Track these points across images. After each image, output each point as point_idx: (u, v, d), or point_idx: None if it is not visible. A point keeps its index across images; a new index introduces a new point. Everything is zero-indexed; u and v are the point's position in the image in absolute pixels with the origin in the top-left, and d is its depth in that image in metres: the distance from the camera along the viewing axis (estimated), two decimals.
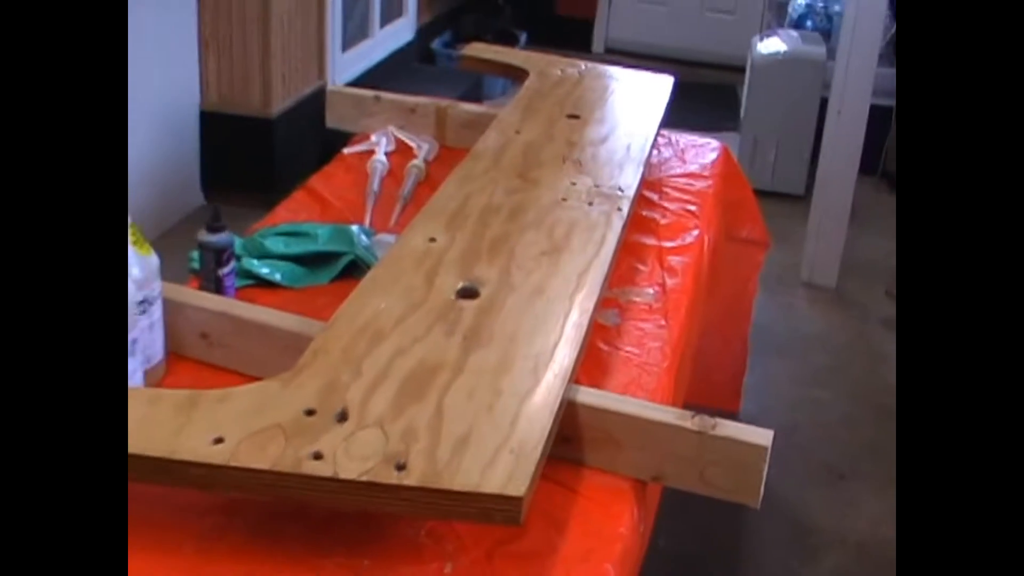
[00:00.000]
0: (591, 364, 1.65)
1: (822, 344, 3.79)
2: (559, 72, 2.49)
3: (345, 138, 2.56)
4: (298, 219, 2.09)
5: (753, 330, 3.18)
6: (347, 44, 4.99)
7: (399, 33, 5.68)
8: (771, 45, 4.85)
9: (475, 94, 5.42)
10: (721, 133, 5.11)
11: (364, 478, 1.16)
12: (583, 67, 2.55)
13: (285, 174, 4.42)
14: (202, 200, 4.41)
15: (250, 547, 1.27)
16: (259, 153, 4.43)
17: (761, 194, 4.64)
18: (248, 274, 1.86)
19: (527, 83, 2.40)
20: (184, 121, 4.32)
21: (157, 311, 1.54)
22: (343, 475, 1.16)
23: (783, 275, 4.15)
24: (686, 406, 2.07)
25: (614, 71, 2.58)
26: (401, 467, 1.17)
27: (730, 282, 2.77)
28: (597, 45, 6.96)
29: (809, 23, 5.42)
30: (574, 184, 1.89)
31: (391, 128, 2.45)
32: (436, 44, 6.14)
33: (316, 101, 4.64)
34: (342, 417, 1.25)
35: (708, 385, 2.95)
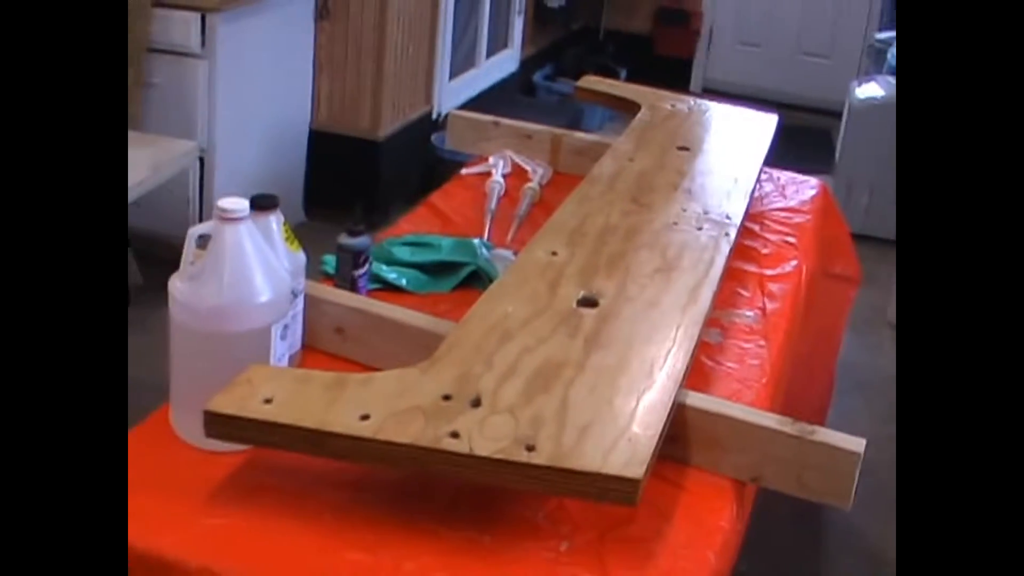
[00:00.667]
0: (695, 376, 1.77)
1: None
2: (669, 106, 2.63)
3: (447, 164, 2.71)
4: (420, 232, 2.23)
5: (839, 367, 3.26)
6: (454, 72, 5.17)
7: (503, 64, 5.86)
8: (869, 90, 4.95)
9: (574, 127, 5.56)
10: (815, 176, 5.24)
11: (497, 456, 1.29)
12: (692, 103, 2.69)
13: (388, 196, 4.58)
14: (303, 217, 4.56)
15: (383, 519, 1.40)
16: (364, 174, 4.60)
17: (853, 237, 4.76)
18: (376, 278, 2.01)
19: (639, 115, 2.54)
20: (294, 138, 4.51)
21: (300, 303, 1.69)
22: (478, 452, 1.30)
23: (871, 316, 4.23)
24: None
25: (721, 107, 2.71)
26: (530, 448, 1.30)
27: (821, 317, 2.87)
28: (695, 84, 7.09)
29: None
30: (684, 210, 2.02)
31: (508, 152, 2.60)
32: (538, 77, 6.31)
33: (422, 126, 4.83)
34: (476, 403, 1.39)
35: (795, 416, 3.04)
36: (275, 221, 1.63)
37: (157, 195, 3.55)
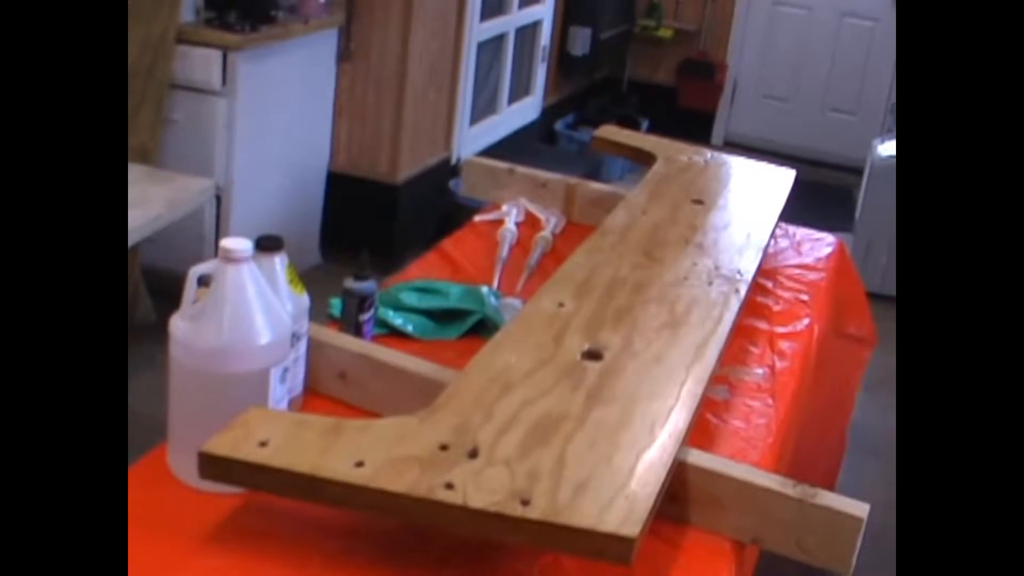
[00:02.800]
0: (699, 434, 1.76)
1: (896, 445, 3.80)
2: (685, 159, 2.63)
3: (464, 210, 2.72)
4: (430, 278, 2.24)
5: (851, 428, 3.24)
6: (475, 118, 5.20)
7: (525, 111, 5.89)
8: (890, 148, 4.95)
9: (594, 177, 5.58)
10: (834, 233, 5.23)
11: (491, 509, 1.28)
12: (708, 155, 2.69)
13: (404, 240, 4.59)
14: (319, 259, 4.58)
15: (374, 569, 1.39)
16: (381, 217, 4.62)
17: (871, 296, 4.74)
18: (382, 323, 2.01)
19: (655, 167, 2.55)
20: (312, 179, 4.53)
21: (303, 347, 1.69)
22: (472, 504, 1.29)
23: (885, 378, 4.19)
24: None
25: (738, 161, 2.71)
26: (525, 502, 1.29)
27: (833, 377, 2.85)
28: (716, 138, 7.11)
29: None
30: (695, 265, 2.02)
31: (522, 200, 2.60)
32: (559, 125, 6.33)
33: (440, 171, 4.84)
34: (473, 454, 1.38)
35: (804, 477, 3.02)
36: (279, 262, 1.63)
37: (173, 232, 3.56)
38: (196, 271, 1.48)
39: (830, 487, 3.23)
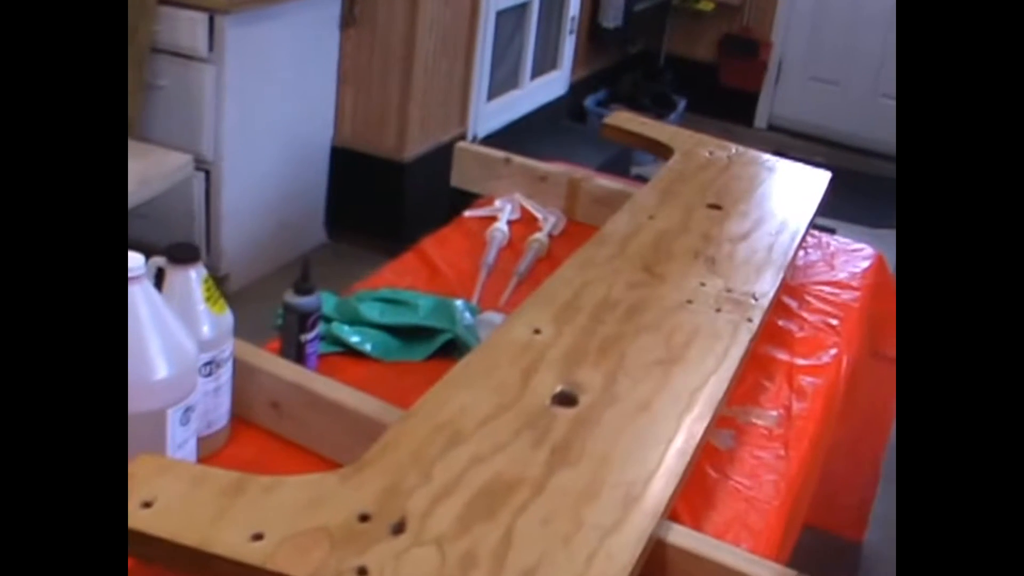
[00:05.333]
0: (694, 491, 1.54)
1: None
2: (707, 154, 2.39)
3: (479, 194, 2.50)
4: (403, 283, 2.02)
5: (890, 456, 3.02)
6: (493, 93, 4.95)
7: (551, 86, 5.64)
8: None
9: (625, 158, 5.35)
10: (880, 230, 4.98)
11: None
12: (733, 151, 2.44)
13: (414, 222, 4.38)
14: (324, 237, 4.42)
15: None
16: (389, 197, 4.42)
17: None
18: (336, 340, 1.80)
19: (670, 163, 2.31)
20: (315, 155, 4.34)
21: (226, 374, 1.48)
22: None
23: None
24: (804, 529, 1.95)
25: (767, 159, 2.46)
26: None
27: (868, 401, 2.62)
28: (760, 120, 6.84)
29: None
30: (703, 285, 1.79)
31: (518, 195, 2.38)
32: (589, 102, 6.08)
33: (454, 150, 4.61)
34: (398, 528, 1.16)
35: (833, 509, 2.81)
36: (195, 276, 1.41)
37: (161, 208, 3.38)
38: None
39: (862, 518, 3.06)
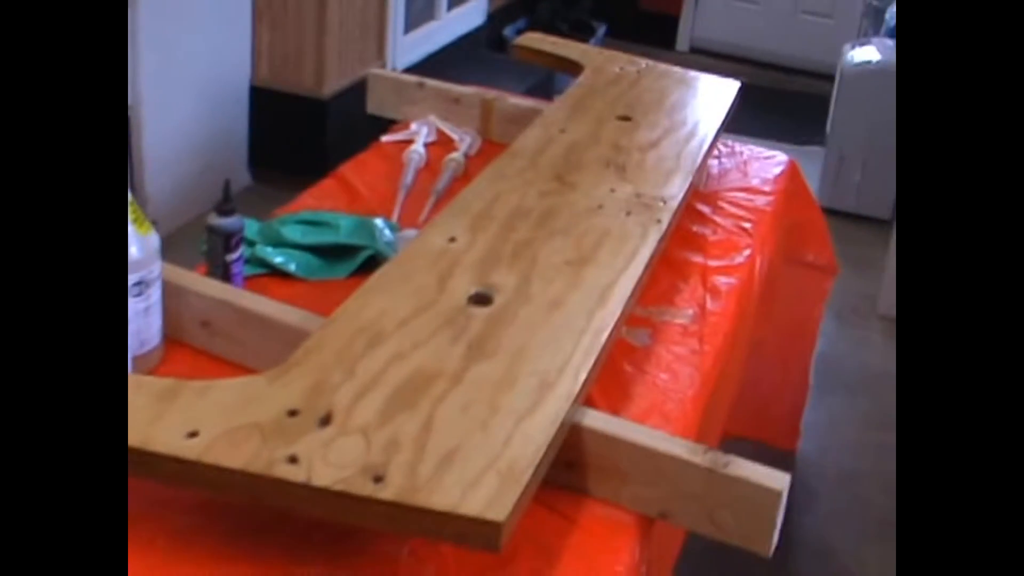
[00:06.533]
0: (612, 385, 1.64)
1: (895, 384, 3.71)
2: (617, 69, 2.48)
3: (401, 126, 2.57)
4: (324, 207, 2.10)
5: (821, 364, 3.12)
6: (410, 25, 4.99)
7: (469, 17, 5.69)
8: (864, 54, 4.78)
9: (546, 87, 5.41)
10: (806, 147, 5.09)
11: (337, 487, 1.16)
12: (643, 65, 2.54)
13: (338, 159, 4.42)
14: (249, 180, 4.45)
15: (225, 550, 1.29)
16: (310, 135, 4.45)
17: (844, 216, 4.63)
18: (261, 262, 1.87)
19: (580, 79, 2.40)
20: (233, 95, 4.35)
21: (155, 294, 1.56)
22: (316, 482, 1.16)
23: (859, 305, 4.08)
24: (734, 440, 2.05)
25: (676, 71, 2.55)
26: (379, 479, 1.17)
27: (791, 309, 2.74)
28: (681, 43, 6.92)
29: None
30: (613, 191, 1.88)
31: (432, 118, 2.46)
32: (508, 31, 6.14)
33: None
34: (325, 421, 1.25)
35: (764, 419, 2.92)
36: None
37: None
38: None
39: (794, 428, 3.17)
